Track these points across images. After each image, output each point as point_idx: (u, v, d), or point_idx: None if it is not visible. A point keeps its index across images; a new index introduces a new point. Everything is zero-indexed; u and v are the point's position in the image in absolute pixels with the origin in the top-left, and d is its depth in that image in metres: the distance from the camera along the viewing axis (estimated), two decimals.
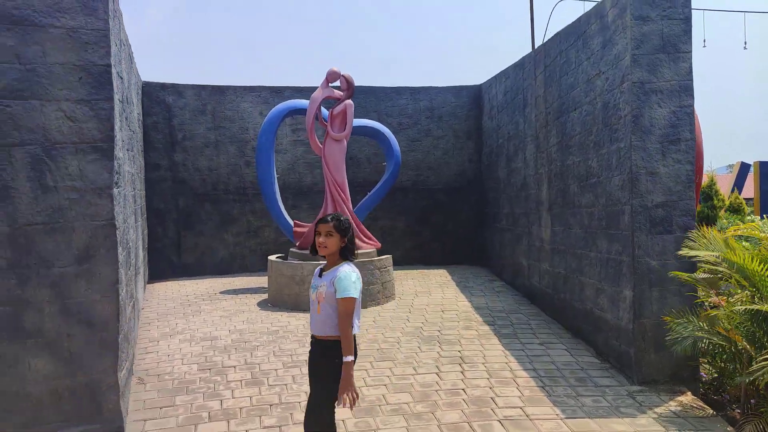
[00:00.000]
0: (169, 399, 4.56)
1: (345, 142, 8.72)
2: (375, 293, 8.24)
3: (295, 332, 6.73)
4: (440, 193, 12.41)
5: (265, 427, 4.09)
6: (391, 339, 6.40)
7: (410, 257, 12.14)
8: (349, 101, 8.58)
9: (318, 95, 8.65)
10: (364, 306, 8.04)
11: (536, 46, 8.19)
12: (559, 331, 6.59)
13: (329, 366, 3.00)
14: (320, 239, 3.06)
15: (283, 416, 4.29)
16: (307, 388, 4.88)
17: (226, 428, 4.08)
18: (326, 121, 8.83)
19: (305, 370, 5.34)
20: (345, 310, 2.95)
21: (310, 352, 3.17)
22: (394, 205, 11.81)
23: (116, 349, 3.85)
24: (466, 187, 12.41)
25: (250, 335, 6.52)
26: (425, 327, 6.88)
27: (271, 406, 4.48)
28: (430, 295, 8.88)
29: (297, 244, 8.80)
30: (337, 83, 8.90)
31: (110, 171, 3.78)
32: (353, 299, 2.97)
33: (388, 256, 8.69)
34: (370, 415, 4.29)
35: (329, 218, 3.08)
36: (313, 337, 3.13)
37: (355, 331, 3.02)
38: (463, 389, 4.79)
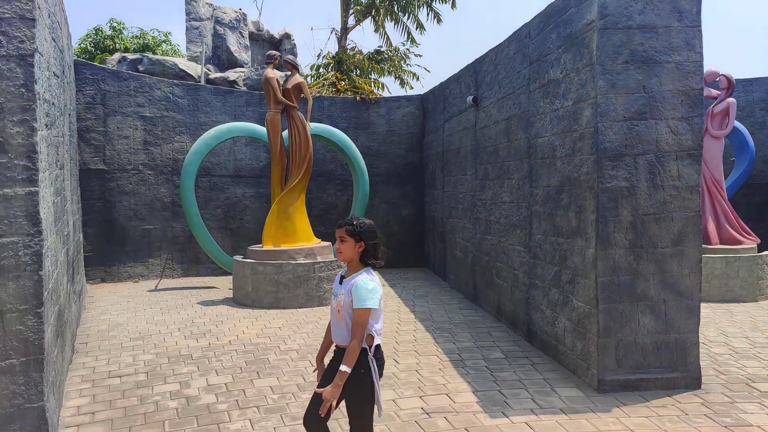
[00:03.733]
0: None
1: (723, 140, 8.97)
2: (764, 288, 8.37)
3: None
4: None
5: None
6: None
7: None
8: (732, 99, 8.81)
9: None
10: (753, 299, 8.24)
11: None
12: None
13: (357, 377, 2.87)
14: (336, 245, 2.99)
15: None
16: None
17: None
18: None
19: None
20: (358, 321, 2.83)
21: (332, 359, 3.07)
22: None
23: (698, 314, 4.82)
24: None
25: None
26: None
27: None
28: None
29: None
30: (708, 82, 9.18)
31: (698, 173, 4.75)
32: (368, 310, 2.83)
33: None
34: None
35: (342, 222, 2.99)
36: (336, 346, 3.05)
37: (377, 341, 2.94)
38: None
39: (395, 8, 14.79)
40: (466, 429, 4.12)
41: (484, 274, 7.95)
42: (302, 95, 9.31)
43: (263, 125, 11.03)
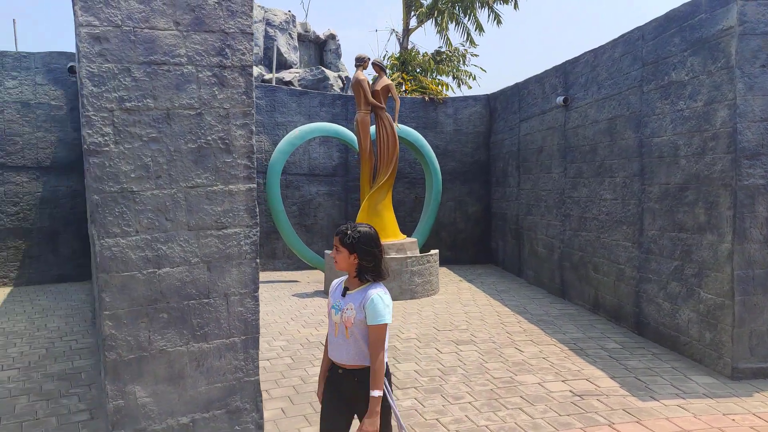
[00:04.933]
0: None
1: None
2: None
3: None
4: None
5: None
6: None
7: None
8: None
9: None
10: None
11: None
12: None
13: (367, 396, 2.63)
14: (332, 253, 2.76)
15: None
16: None
17: None
18: None
19: None
20: (378, 338, 2.62)
21: (336, 383, 2.79)
22: None
23: None
24: None
25: None
26: None
27: None
28: None
29: None
30: None
31: None
32: (386, 325, 2.63)
33: None
34: None
35: (338, 230, 2.76)
36: (339, 368, 2.76)
37: (385, 357, 2.69)
38: None
39: (456, 9, 15.09)
40: (623, 410, 4.42)
41: (577, 270, 8.20)
42: (390, 96, 9.67)
43: (337, 125, 11.44)
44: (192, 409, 3.78)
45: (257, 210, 3.93)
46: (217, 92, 3.79)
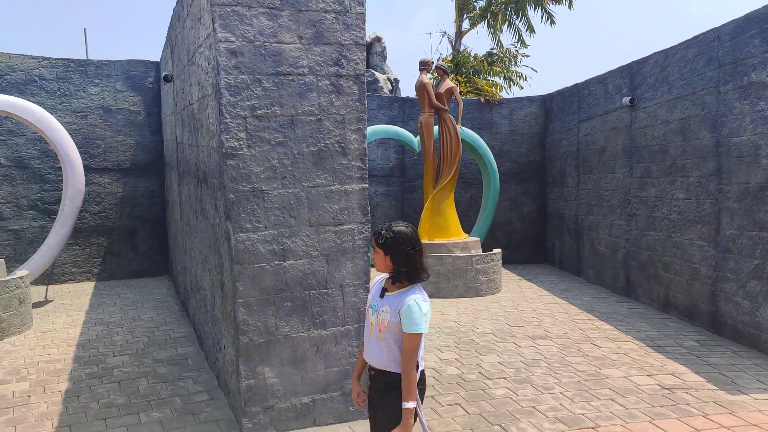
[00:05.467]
0: None
1: None
2: None
3: None
4: None
5: None
6: None
7: None
8: None
9: None
10: None
11: None
12: None
13: (395, 404, 2.54)
14: (372, 253, 2.65)
15: None
16: None
17: None
18: None
19: None
20: (411, 347, 2.48)
21: (370, 383, 2.72)
22: None
23: None
24: None
25: None
26: None
27: None
28: None
29: None
30: None
31: None
32: (421, 335, 2.49)
33: None
34: None
35: (376, 229, 2.64)
36: (372, 369, 2.69)
37: (421, 366, 2.60)
38: None
39: (509, 11, 15.21)
40: (714, 402, 4.55)
41: (644, 269, 8.26)
42: (453, 98, 9.91)
43: (397, 127, 11.74)
44: (312, 390, 4.12)
45: (369, 208, 4.25)
46: (334, 99, 4.12)
